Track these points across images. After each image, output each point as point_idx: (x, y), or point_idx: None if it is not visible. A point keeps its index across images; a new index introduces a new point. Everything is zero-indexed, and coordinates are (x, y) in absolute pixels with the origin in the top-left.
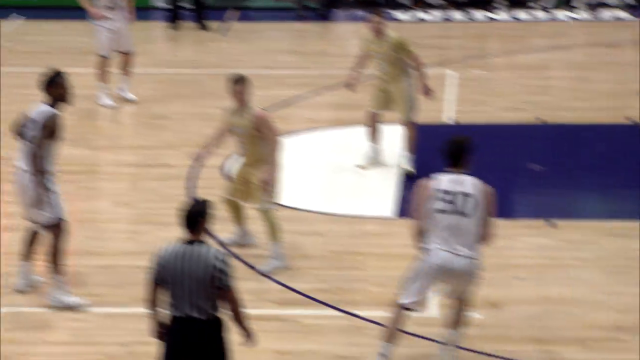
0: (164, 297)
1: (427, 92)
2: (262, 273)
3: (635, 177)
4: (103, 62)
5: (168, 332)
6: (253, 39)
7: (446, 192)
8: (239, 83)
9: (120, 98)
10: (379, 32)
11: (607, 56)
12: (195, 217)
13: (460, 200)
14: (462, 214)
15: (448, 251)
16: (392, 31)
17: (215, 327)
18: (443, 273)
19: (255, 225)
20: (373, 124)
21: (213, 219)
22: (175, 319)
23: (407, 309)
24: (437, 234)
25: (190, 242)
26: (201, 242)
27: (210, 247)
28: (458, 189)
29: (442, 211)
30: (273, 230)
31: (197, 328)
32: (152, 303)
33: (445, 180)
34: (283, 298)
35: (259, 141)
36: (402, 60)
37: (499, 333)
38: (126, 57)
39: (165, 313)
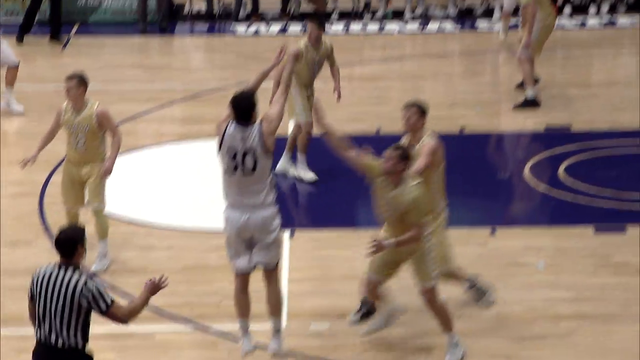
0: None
1: (340, 95)
2: (94, 274)
3: (474, 184)
4: None
5: (33, 355)
6: (96, 53)
7: (230, 148)
8: (73, 81)
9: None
10: (318, 40)
11: (437, 67)
12: (71, 243)
13: (243, 159)
14: (246, 172)
15: (240, 210)
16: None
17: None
18: (243, 233)
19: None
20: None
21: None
22: (38, 341)
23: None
24: (229, 194)
25: (64, 266)
26: (76, 267)
27: (82, 275)
28: (241, 146)
29: (228, 171)
30: (104, 228)
31: (52, 355)
32: (33, 320)
33: (231, 136)
34: None
35: (99, 138)
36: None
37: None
38: (12, 71)
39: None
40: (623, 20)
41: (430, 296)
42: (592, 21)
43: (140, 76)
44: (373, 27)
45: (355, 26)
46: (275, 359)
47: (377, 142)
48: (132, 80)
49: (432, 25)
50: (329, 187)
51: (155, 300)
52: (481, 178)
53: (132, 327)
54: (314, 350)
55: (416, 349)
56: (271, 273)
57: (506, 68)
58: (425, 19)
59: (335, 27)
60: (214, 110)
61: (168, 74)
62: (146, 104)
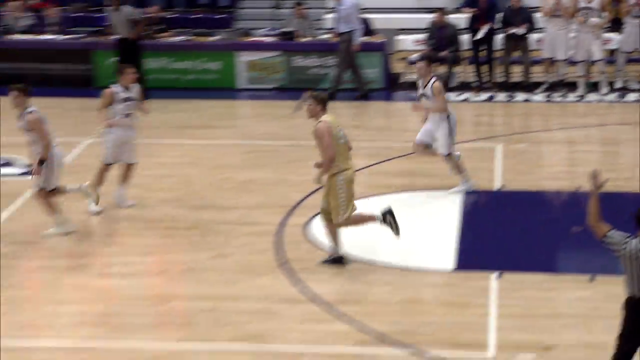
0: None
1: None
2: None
3: None
4: (104, 168)
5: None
6: None
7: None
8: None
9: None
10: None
11: (633, 134)
12: None
13: None
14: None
15: None
16: None
17: None
18: None
19: None
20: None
21: None
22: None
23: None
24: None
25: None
26: None
27: None
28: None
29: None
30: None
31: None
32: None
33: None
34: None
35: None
36: None
37: None
38: (129, 167)
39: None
40: None
41: None
42: None
43: (361, 135)
44: (572, 96)
45: (557, 96)
46: None
47: (574, 198)
48: (354, 139)
49: (630, 96)
50: (536, 234)
51: (378, 326)
52: None
53: (358, 350)
54: None
55: None
56: None
57: None
58: (622, 90)
59: (539, 97)
60: (434, 166)
61: (386, 134)
62: (368, 159)
